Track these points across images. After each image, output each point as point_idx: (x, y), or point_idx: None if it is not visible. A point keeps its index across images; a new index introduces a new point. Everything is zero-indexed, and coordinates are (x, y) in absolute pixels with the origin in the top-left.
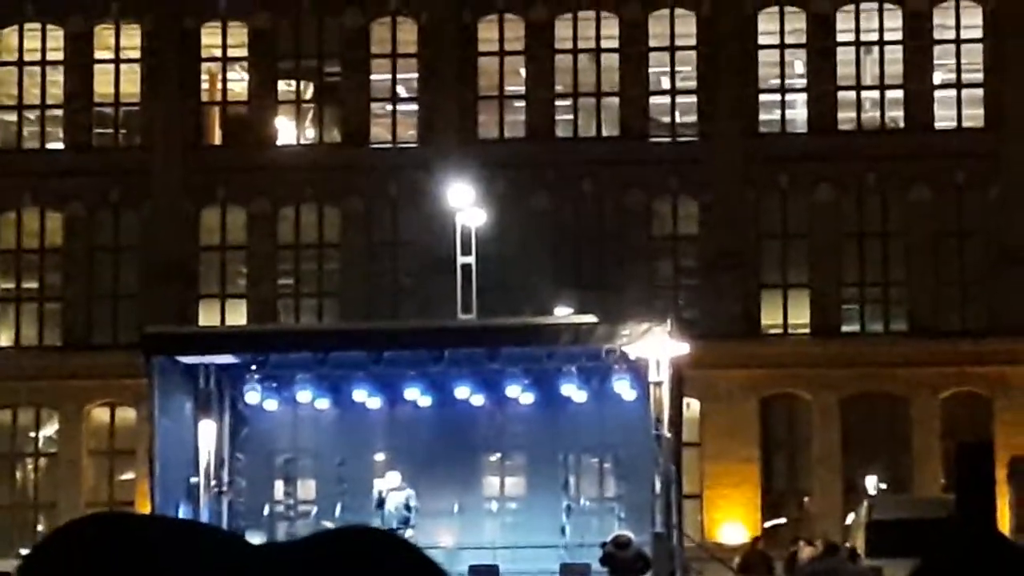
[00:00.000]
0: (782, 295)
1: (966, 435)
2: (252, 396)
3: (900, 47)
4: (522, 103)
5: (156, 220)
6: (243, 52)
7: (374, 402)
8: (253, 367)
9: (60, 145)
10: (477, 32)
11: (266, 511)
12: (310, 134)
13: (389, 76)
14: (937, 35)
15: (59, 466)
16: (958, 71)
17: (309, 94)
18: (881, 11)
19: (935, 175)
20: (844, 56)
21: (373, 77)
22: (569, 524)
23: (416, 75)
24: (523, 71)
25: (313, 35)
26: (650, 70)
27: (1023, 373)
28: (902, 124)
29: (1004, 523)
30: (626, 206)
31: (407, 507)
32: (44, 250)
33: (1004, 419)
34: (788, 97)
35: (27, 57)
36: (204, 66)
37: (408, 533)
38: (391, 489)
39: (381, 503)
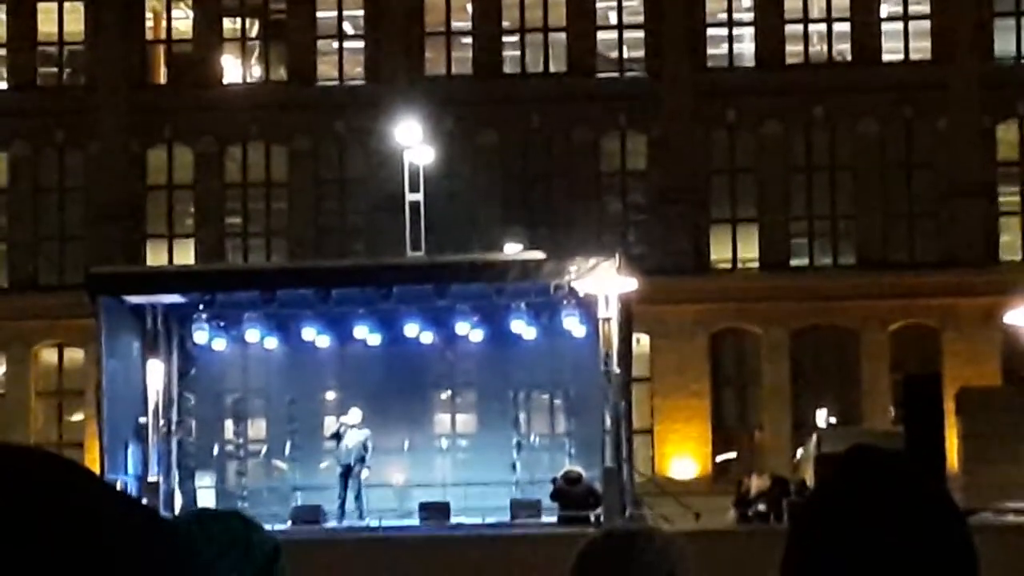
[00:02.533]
0: (731, 230)
1: (915, 368)
2: (200, 336)
3: None
4: (469, 40)
5: (102, 160)
6: None
7: (323, 340)
8: (201, 307)
9: (3, 85)
10: None
11: (216, 451)
12: (256, 72)
13: (335, 13)
14: None
15: (7, 407)
16: (905, 3)
17: (255, 32)
18: None
19: (883, 108)
20: None
21: (319, 14)
22: (519, 460)
23: (363, 12)
24: (470, 7)
25: None
26: (597, 5)
27: (971, 305)
28: (849, 57)
29: (952, 454)
30: (574, 142)
31: (364, 447)
32: None
33: (953, 351)
34: (736, 31)
35: None
36: (148, 4)
37: (364, 473)
38: (351, 426)
39: (338, 437)
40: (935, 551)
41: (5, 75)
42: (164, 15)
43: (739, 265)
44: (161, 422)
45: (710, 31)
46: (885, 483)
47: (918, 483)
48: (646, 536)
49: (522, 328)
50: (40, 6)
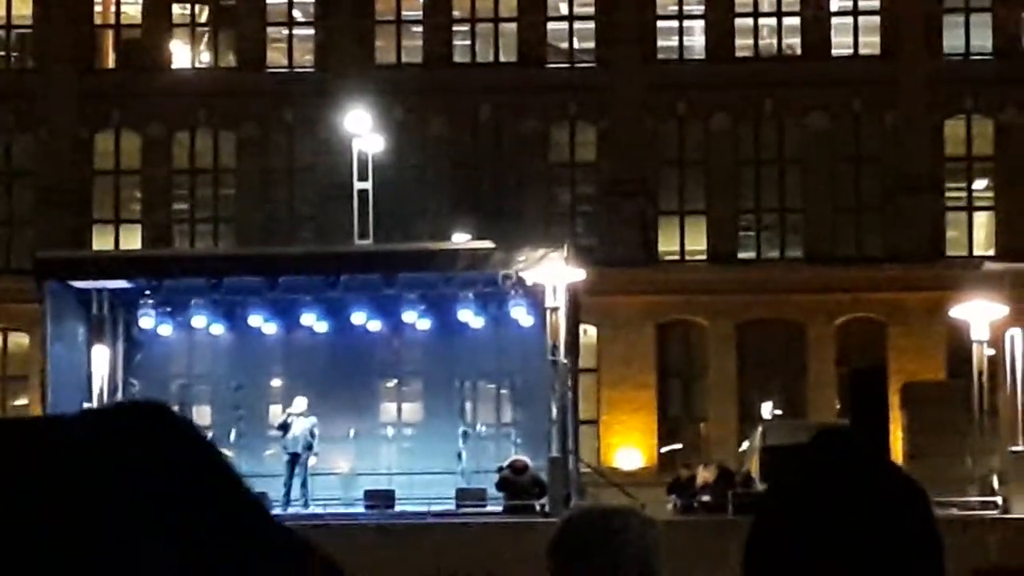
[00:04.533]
0: (679, 222)
1: (861, 361)
2: (146, 321)
3: None
4: (420, 28)
5: (49, 145)
6: None
7: (270, 328)
8: (147, 292)
9: None
10: None
11: None
12: (205, 58)
13: (286, 0)
14: None
15: None
16: None
17: (204, 17)
18: None
19: (832, 102)
20: None
21: (269, 1)
22: (465, 450)
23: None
24: None
25: None
26: None
27: (918, 300)
28: (799, 51)
29: (897, 448)
30: (524, 132)
31: (311, 434)
32: None
33: (898, 345)
34: (686, 24)
35: None
36: None
37: (311, 461)
38: (297, 414)
39: (285, 427)
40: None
41: None
42: (113, 0)
43: (687, 257)
44: None
45: (660, 23)
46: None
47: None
48: (623, 514)
49: (469, 317)
50: None
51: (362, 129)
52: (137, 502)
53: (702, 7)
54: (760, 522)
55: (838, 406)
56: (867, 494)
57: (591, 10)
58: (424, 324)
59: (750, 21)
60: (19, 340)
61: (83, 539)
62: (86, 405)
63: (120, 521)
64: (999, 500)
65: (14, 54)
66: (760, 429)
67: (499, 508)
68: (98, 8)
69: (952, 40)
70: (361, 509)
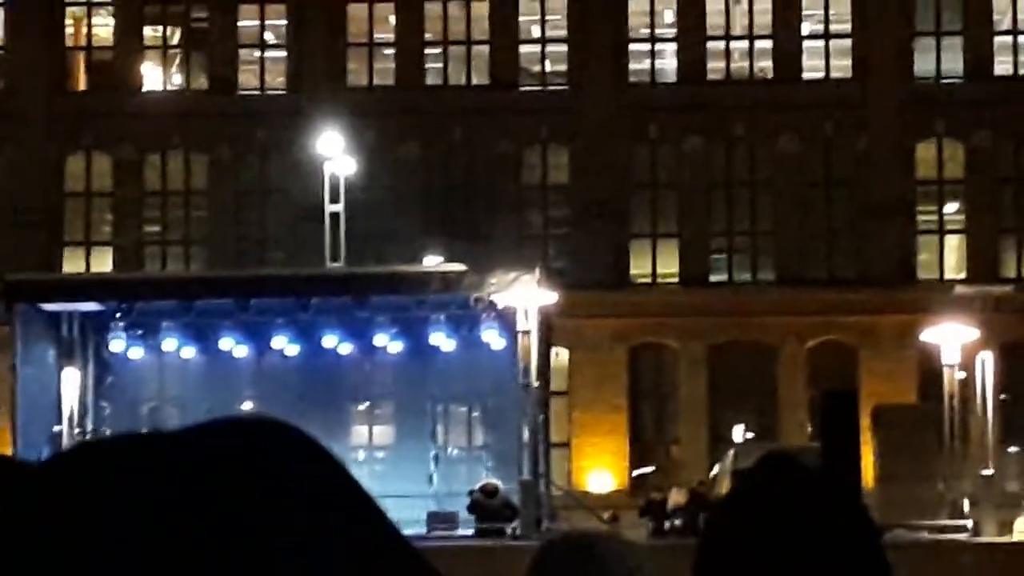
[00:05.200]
0: (651, 245)
1: (832, 384)
2: (117, 344)
3: None
4: (392, 51)
5: (20, 166)
6: None
7: (241, 350)
8: (118, 315)
9: None
10: None
11: None
12: (177, 80)
13: (257, 22)
14: None
15: None
16: (826, 22)
17: (176, 39)
18: None
19: (803, 126)
20: (713, 6)
21: (241, 23)
22: (437, 472)
23: (285, 21)
24: (392, 18)
25: None
26: (520, 18)
27: (888, 323)
28: (771, 75)
29: (868, 471)
30: (496, 155)
31: None
32: None
33: (869, 368)
34: (658, 47)
35: None
36: (69, 10)
37: None
38: None
39: None
40: (848, 560)
41: None
42: (85, 21)
43: (659, 280)
44: (76, 431)
45: (633, 46)
46: (798, 489)
47: (832, 491)
48: (604, 539)
49: (441, 340)
50: None
51: (334, 151)
52: (273, 522)
53: (674, 30)
54: (704, 544)
55: (809, 429)
56: (802, 517)
57: (563, 33)
58: (396, 347)
59: (722, 44)
60: None
61: (224, 561)
62: (56, 428)
63: (259, 540)
64: (970, 524)
65: None
66: (732, 452)
67: (471, 531)
68: (69, 30)
69: (923, 64)
70: None
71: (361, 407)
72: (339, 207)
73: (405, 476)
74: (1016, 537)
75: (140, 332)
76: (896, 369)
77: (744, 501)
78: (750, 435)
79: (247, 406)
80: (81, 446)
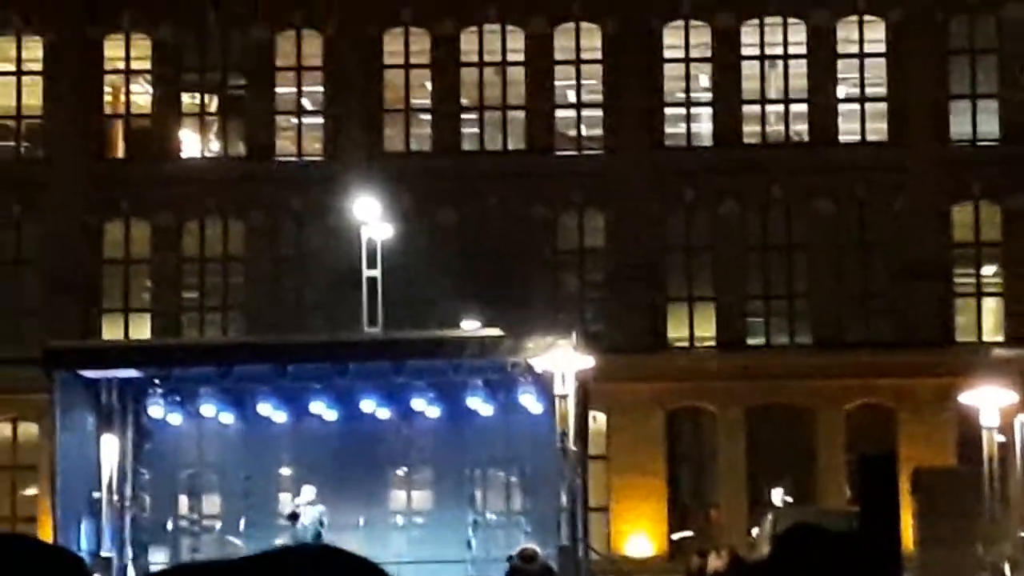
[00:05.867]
0: (688, 308)
1: (871, 447)
2: (155, 410)
3: (804, 61)
4: (428, 116)
5: (59, 233)
6: (147, 64)
7: (279, 416)
8: (156, 381)
9: None
10: (383, 45)
11: (170, 526)
12: (215, 147)
13: (294, 89)
14: (841, 49)
15: None
16: (862, 85)
17: (214, 107)
18: (785, 25)
19: (839, 188)
20: (749, 70)
21: (278, 90)
22: (475, 538)
23: (321, 88)
24: (429, 84)
25: (218, 48)
26: (556, 83)
27: (926, 385)
28: (806, 138)
29: (908, 535)
30: (532, 219)
31: (320, 523)
32: None
33: (908, 431)
34: (693, 111)
35: None
36: (107, 78)
37: None
38: (305, 503)
39: (295, 516)
40: None
41: None
42: (123, 89)
43: (695, 344)
44: (115, 497)
45: (668, 110)
46: (823, 563)
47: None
48: None
49: (479, 405)
50: None
51: (371, 217)
52: None
53: (709, 94)
54: None
55: (848, 492)
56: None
57: (599, 97)
58: (433, 412)
59: (757, 108)
60: (28, 430)
61: None
62: (95, 494)
63: None
64: None
65: (24, 143)
66: (770, 516)
67: None
68: (108, 98)
69: (959, 126)
70: None
71: (399, 472)
72: (376, 272)
73: (443, 542)
74: None
75: (178, 398)
76: (935, 432)
77: (780, 569)
78: (789, 499)
79: (285, 471)
80: (177, 569)
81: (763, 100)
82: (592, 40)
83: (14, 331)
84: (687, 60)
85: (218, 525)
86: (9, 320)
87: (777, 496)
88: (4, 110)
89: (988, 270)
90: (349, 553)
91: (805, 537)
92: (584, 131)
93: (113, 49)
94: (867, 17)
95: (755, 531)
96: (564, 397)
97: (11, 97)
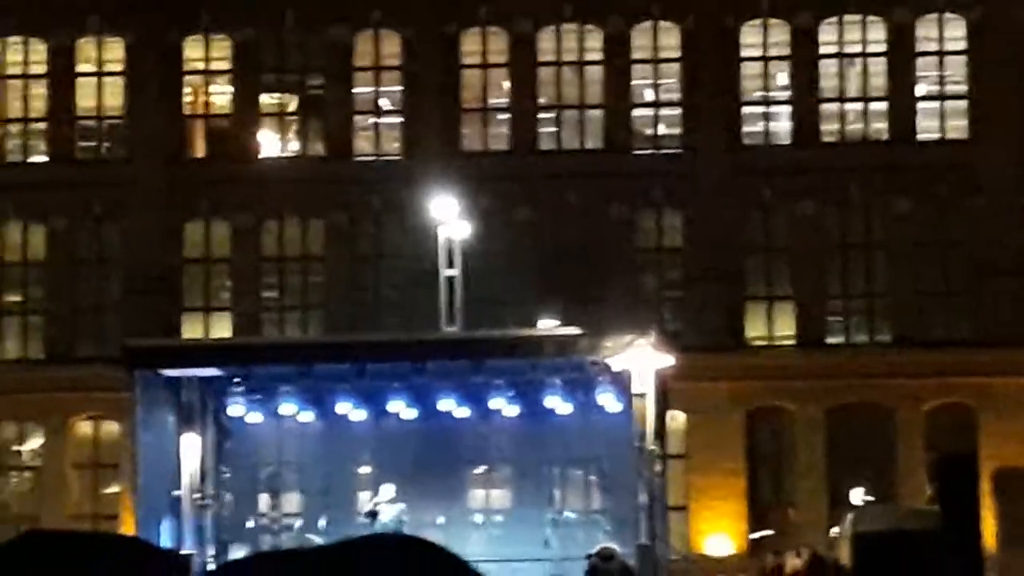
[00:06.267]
0: (766, 307)
1: (951, 446)
2: (235, 409)
3: (883, 59)
4: (506, 115)
5: (139, 233)
6: (226, 65)
7: (358, 415)
8: (236, 380)
9: (43, 158)
10: (460, 44)
11: (250, 524)
12: (293, 147)
13: (372, 89)
14: (920, 47)
15: (43, 480)
16: (941, 83)
17: (292, 107)
18: (864, 23)
19: (918, 186)
20: (827, 68)
21: (356, 90)
22: (554, 536)
23: (400, 88)
24: (506, 83)
25: (296, 48)
26: (633, 82)
27: (1007, 384)
28: (885, 136)
29: (990, 535)
30: (610, 218)
31: (400, 521)
32: (27, 263)
33: (989, 430)
34: (771, 109)
35: (10, 71)
36: (187, 79)
37: None
38: (385, 501)
39: (374, 514)
40: None
41: (44, 148)
42: (203, 89)
43: (775, 342)
44: (196, 495)
45: (746, 109)
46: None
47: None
48: None
49: (557, 404)
50: (80, 80)
51: (449, 216)
52: None
53: (787, 92)
54: None
55: (928, 492)
56: None
57: (676, 96)
58: (512, 410)
59: (836, 106)
60: (109, 428)
61: None
62: (176, 493)
63: None
64: None
65: (105, 144)
66: (850, 515)
67: None
68: (188, 98)
69: None
70: None
71: (478, 470)
72: (454, 271)
73: (522, 540)
74: None
75: (258, 397)
76: (1016, 431)
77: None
78: (869, 498)
79: (364, 470)
80: (257, 557)
81: (842, 98)
82: (670, 39)
83: (96, 330)
84: (765, 58)
85: (298, 523)
86: (91, 319)
87: (856, 495)
88: (86, 111)
89: None
90: (429, 542)
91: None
92: (662, 130)
93: (193, 50)
94: (947, 15)
95: (834, 530)
96: (643, 396)
97: (93, 98)
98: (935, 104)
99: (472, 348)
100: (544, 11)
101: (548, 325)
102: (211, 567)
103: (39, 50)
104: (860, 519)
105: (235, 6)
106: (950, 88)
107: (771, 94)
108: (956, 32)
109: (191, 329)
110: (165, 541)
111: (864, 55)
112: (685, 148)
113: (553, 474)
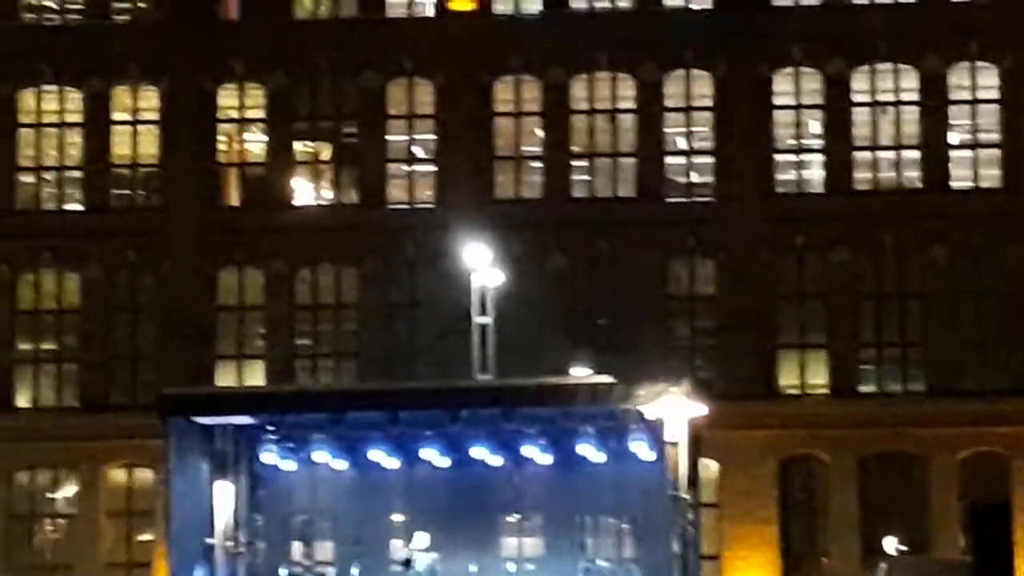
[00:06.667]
0: (799, 355)
1: (984, 496)
2: (269, 457)
3: (916, 107)
4: (538, 163)
5: (173, 281)
6: (260, 113)
7: (391, 463)
8: (270, 427)
9: (78, 206)
10: (494, 93)
11: (283, 572)
12: (327, 195)
13: (406, 137)
14: (953, 95)
15: (77, 528)
16: (974, 131)
17: (326, 155)
18: (896, 72)
19: (952, 235)
20: (860, 117)
21: (390, 138)
22: None
23: (433, 136)
24: (539, 131)
25: (330, 96)
26: (666, 130)
27: None
28: (919, 184)
29: None
30: (642, 266)
31: (433, 570)
32: (62, 311)
33: (1022, 479)
34: (804, 157)
35: (45, 119)
36: (221, 127)
37: None
38: (419, 550)
39: (408, 563)
40: None
41: (79, 197)
42: (236, 138)
43: (807, 391)
44: (229, 543)
45: (779, 157)
46: None
47: None
48: None
49: (590, 452)
50: (114, 128)
51: (481, 263)
52: None
53: (821, 141)
54: None
55: (962, 542)
56: None
57: (709, 144)
58: (545, 459)
59: (869, 155)
60: (143, 475)
61: None
62: (209, 540)
63: None
64: None
65: (139, 192)
66: (883, 565)
67: None
68: (222, 146)
69: None
70: None
71: (511, 519)
72: (487, 319)
73: None
74: None
75: (291, 444)
76: None
77: None
78: (902, 547)
79: (397, 518)
80: None
81: (874, 147)
82: (702, 87)
83: (130, 378)
84: (798, 107)
85: (331, 571)
86: (125, 367)
87: (890, 545)
88: (121, 159)
89: None
90: None
91: None
92: (694, 178)
93: (227, 98)
94: (979, 62)
95: None
96: (675, 444)
97: (128, 146)
98: (968, 152)
99: (505, 396)
100: (577, 59)
101: (581, 373)
102: None
103: (74, 98)
104: (893, 569)
105: (269, 54)
106: (983, 136)
107: (804, 142)
108: (988, 80)
109: (225, 377)
110: None
111: (897, 103)
112: (718, 196)
113: (586, 522)
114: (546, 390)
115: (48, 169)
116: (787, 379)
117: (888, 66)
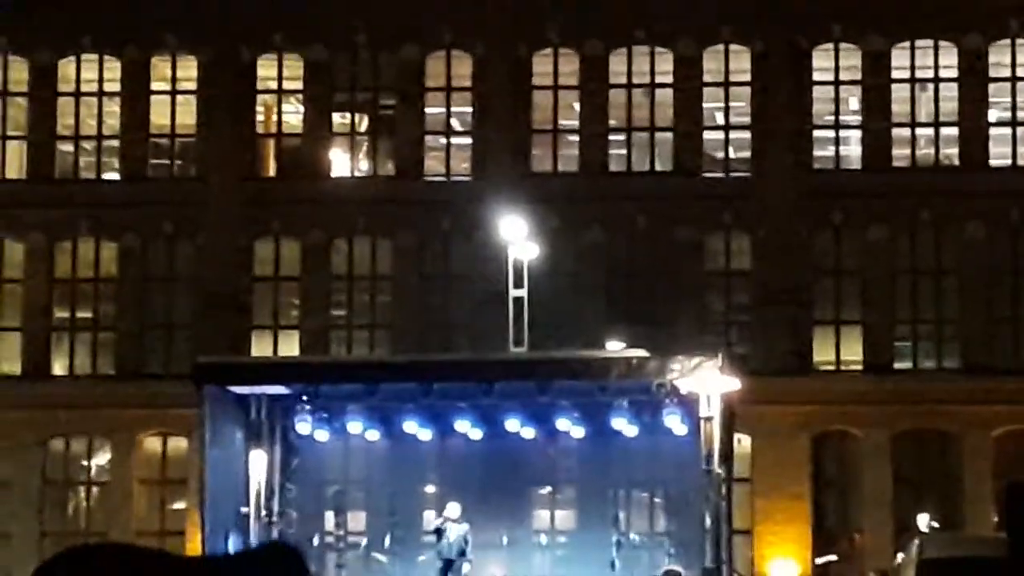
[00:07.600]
0: (834, 331)
1: (1018, 473)
2: (303, 427)
3: (955, 84)
4: (576, 137)
5: (210, 251)
6: (298, 85)
7: (424, 434)
8: (304, 398)
9: (116, 176)
10: (531, 66)
11: (316, 542)
12: (364, 167)
13: (443, 109)
14: (993, 72)
15: (111, 495)
16: (1013, 109)
17: (364, 127)
18: (936, 48)
19: (989, 213)
20: (899, 93)
21: (427, 110)
22: (619, 558)
23: (470, 109)
24: (577, 105)
25: (368, 68)
26: (704, 105)
27: None
28: (957, 161)
29: None
30: (678, 241)
31: (465, 540)
32: (99, 280)
33: None
34: (842, 133)
35: (84, 88)
36: (260, 98)
37: (465, 567)
38: (451, 520)
39: (440, 533)
40: None
41: (117, 166)
42: (275, 109)
43: (842, 367)
44: (262, 512)
45: (816, 132)
46: None
47: None
48: None
49: (623, 425)
50: (153, 98)
51: (517, 236)
52: None
53: (859, 117)
54: None
55: (995, 519)
56: None
57: (747, 119)
58: (578, 432)
59: (907, 131)
60: (178, 444)
61: None
62: (243, 509)
63: None
64: None
65: (177, 162)
66: (917, 541)
67: None
68: (260, 118)
69: None
70: None
71: (543, 491)
72: (522, 292)
73: (587, 561)
74: None
75: (326, 415)
76: None
77: None
78: (935, 524)
79: (430, 489)
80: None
81: (913, 123)
82: (740, 62)
83: (166, 347)
84: (836, 83)
85: (364, 541)
86: (161, 336)
87: (923, 522)
88: (158, 129)
89: None
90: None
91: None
92: (732, 153)
93: (266, 69)
94: (1019, 40)
95: (900, 556)
96: (709, 419)
97: (166, 116)
98: (1007, 130)
99: (539, 369)
100: (615, 33)
101: (615, 347)
102: None
103: (113, 67)
104: (926, 545)
105: (308, 26)
106: (1023, 114)
107: (842, 118)
108: None
109: (260, 347)
110: None
111: (936, 80)
112: (755, 171)
113: (618, 496)
114: (580, 363)
115: (86, 138)
116: (822, 355)
117: (928, 42)
